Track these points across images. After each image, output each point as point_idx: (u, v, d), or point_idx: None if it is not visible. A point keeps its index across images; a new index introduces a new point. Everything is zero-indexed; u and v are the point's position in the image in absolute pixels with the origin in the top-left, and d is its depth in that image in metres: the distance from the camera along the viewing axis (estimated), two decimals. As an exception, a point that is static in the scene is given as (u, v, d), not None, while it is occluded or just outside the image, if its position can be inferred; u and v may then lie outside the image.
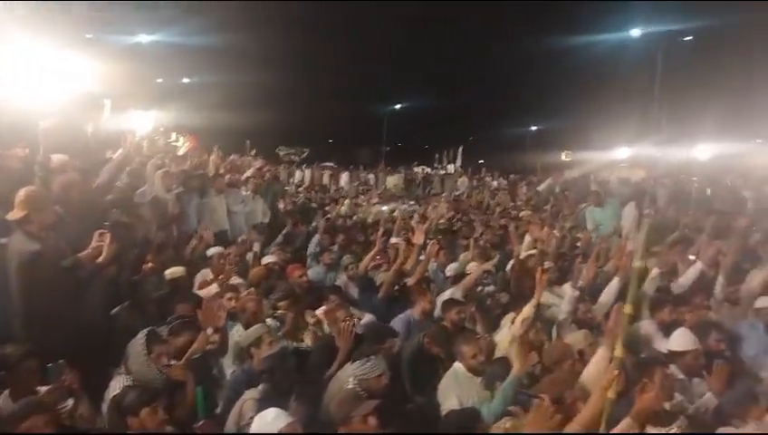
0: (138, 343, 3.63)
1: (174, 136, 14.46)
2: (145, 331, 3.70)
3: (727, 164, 17.71)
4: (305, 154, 24.79)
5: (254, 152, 12.88)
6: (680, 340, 4.31)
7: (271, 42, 26.74)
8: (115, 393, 3.37)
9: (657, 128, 24.05)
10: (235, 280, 5.71)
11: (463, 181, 19.08)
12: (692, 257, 6.85)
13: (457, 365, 4.26)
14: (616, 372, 2.75)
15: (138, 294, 4.95)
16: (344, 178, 20.90)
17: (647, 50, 25.78)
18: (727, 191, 12.95)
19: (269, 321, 4.80)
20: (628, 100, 27.98)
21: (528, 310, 4.78)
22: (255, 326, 4.31)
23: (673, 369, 3.97)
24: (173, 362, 3.70)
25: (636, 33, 25.49)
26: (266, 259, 6.28)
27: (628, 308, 2.84)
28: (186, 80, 27.79)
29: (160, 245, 5.95)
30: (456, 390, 4.08)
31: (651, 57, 25.46)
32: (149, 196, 6.80)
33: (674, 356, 4.19)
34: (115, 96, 10.26)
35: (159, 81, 24.77)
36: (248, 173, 8.96)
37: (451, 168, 23.53)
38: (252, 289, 5.36)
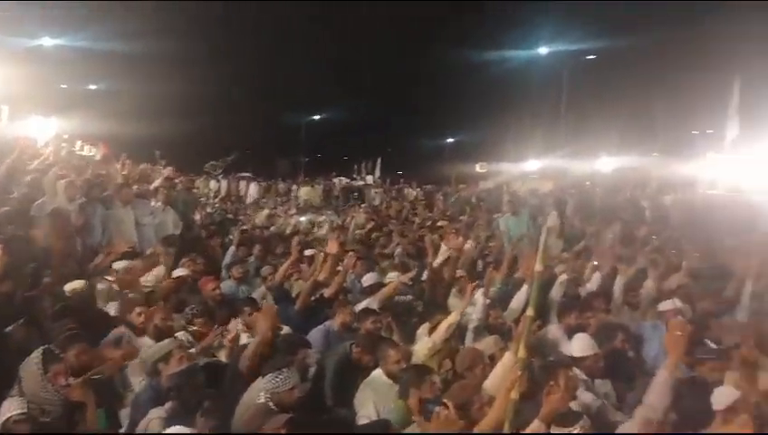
0: (32, 362, 3.40)
1: (79, 144, 13.75)
2: (40, 349, 3.48)
3: (627, 176, 18.87)
4: (230, 160, 24.05)
5: (164, 162, 12.43)
6: (580, 345, 4.54)
7: (185, 49, 26.01)
8: (6, 417, 3.15)
9: (563, 141, 25.32)
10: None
11: (379, 192, 19.29)
12: (596, 263, 7.27)
13: (376, 373, 4.30)
14: (518, 373, 2.85)
15: (34, 310, 4.64)
16: (253, 188, 20.54)
17: (554, 67, 27.19)
18: (627, 201, 13.77)
19: (180, 335, 4.64)
20: (537, 114, 29.29)
21: (454, 316, 4.92)
22: (164, 341, 4.16)
23: (577, 370, 4.16)
24: (72, 381, 3.50)
25: (543, 50, 26.83)
26: (177, 272, 6.07)
27: (530, 311, 2.96)
28: (92, 86, 26.49)
29: (62, 258, 5.62)
30: (372, 397, 4.11)
31: (558, 74, 26.87)
32: (49, 207, 6.42)
33: (575, 360, 4.39)
34: (14, 101, 9.65)
35: (63, 86, 23.49)
36: (157, 183, 8.62)
37: (370, 178, 23.73)
38: (161, 303, 5.17)
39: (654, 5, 22.93)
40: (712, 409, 3.38)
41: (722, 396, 3.43)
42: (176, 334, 4.58)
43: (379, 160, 24.68)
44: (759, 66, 17.91)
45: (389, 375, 4.22)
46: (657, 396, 3.41)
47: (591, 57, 25.56)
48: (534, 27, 27.24)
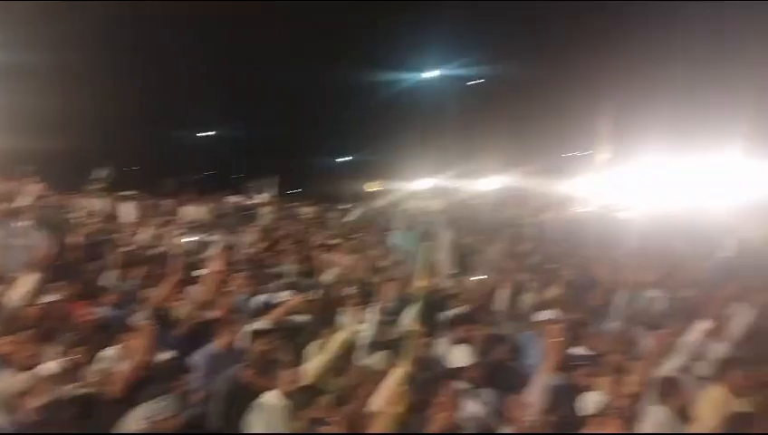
0: None
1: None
2: None
3: (510, 194, 19.99)
4: (105, 177, 22.48)
5: (35, 179, 11.48)
6: (458, 356, 4.70)
7: (64, 61, 24.30)
8: None
9: (453, 161, 26.35)
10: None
11: (272, 210, 18.97)
12: (483, 277, 7.58)
13: (268, 395, 4.20)
14: (403, 387, 2.90)
15: None
16: (136, 207, 19.44)
17: (444, 90, 28.34)
18: (511, 218, 14.52)
19: (50, 365, 4.28)
20: (428, 135, 30.25)
21: (345, 334, 4.94)
22: (26, 373, 3.81)
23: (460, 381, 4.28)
24: None
25: (434, 73, 27.95)
26: (45, 297, 5.60)
27: (415, 325, 3.02)
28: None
29: None
30: (263, 420, 4.03)
31: (448, 96, 28.03)
32: None
33: (457, 371, 4.54)
34: None
35: None
36: (24, 201, 7.94)
37: (263, 197, 23.27)
38: (28, 331, 4.73)
39: (532, 35, 24.67)
40: (583, 413, 3.61)
41: (591, 400, 3.67)
42: (49, 363, 4.21)
43: (272, 179, 24.30)
44: (629, 94, 19.71)
45: (286, 395, 4.15)
46: (534, 399, 3.60)
47: (479, 81, 26.94)
48: (425, 51, 28.25)
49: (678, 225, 12.28)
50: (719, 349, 5.06)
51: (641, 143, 18.61)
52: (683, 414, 4.10)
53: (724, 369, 4.50)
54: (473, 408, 4.23)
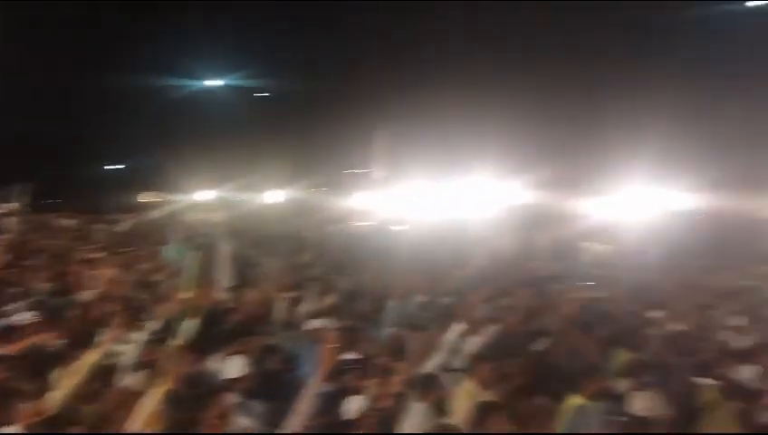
0: None
1: None
2: None
3: (293, 207, 20.31)
4: None
5: None
6: (231, 368, 4.63)
7: None
8: None
9: (237, 173, 25.91)
10: None
11: (22, 221, 16.66)
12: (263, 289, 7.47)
13: (5, 431, 3.67)
14: (161, 407, 2.72)
15: None
16: None
17: (230, 100, 27.82)
18: (293, 231, 14.71)
19: None
20: (212, 145, 29.34)
21: (97, 355, 4.57)
22: None
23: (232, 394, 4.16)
24: None
25: (220, 82, 27.32)
26: None
27: (180, 341, 2.86)
28: None
29: None
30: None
31: (235, 107, 27.57)
32: None
33: (229, 383, 4.42)
34: None
35: None
36: None
37: (10, 206, 20.34)
38: None
39: (319, 52, 25.54)
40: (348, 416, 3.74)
41: (355, 404, 3.83)
42: None
43: (22, 186, 21.37)
44: (403, 116, 21.35)
45: (21, 431, 3.69)
46: (304, 406, 3.66)
47: (265, 94, 26.97)
48: (211, 59, 27.47)
49: (441, 237, 13.55)
50: (472, 346, 5.61)
51: (412, 164, 20.36)
52: (440, 409, 4.45)
53: (474, 364, 5.00)
54: (244, 421, 4.13)
